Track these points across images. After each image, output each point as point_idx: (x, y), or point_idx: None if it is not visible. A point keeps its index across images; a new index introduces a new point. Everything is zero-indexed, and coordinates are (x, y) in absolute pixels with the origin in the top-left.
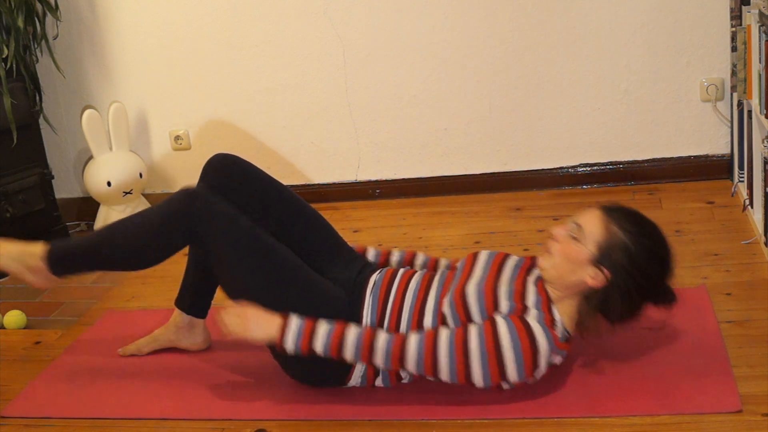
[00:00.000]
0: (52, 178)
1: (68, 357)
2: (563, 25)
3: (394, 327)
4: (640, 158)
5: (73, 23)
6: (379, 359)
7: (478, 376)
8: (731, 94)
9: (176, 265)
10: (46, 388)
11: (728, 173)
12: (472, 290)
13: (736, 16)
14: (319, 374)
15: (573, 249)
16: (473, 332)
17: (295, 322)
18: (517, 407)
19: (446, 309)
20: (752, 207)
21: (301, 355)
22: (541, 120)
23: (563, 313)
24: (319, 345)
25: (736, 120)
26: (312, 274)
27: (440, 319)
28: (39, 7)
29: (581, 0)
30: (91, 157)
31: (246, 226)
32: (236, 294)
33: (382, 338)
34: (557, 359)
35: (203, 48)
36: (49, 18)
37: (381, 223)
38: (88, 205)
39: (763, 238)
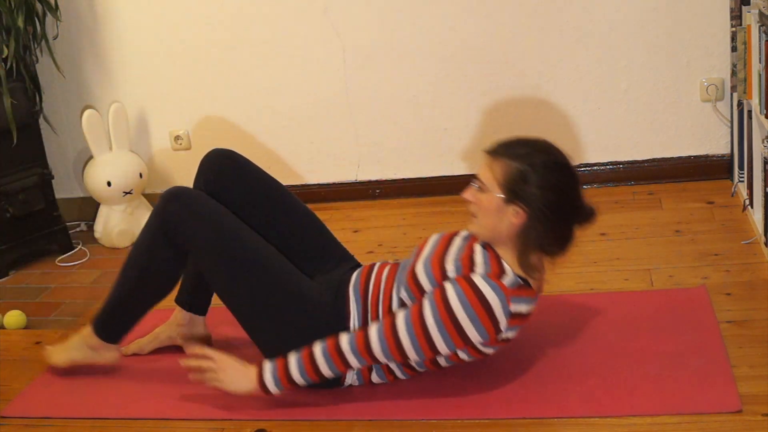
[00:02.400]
0: (52, 178)
1: None
2: (563, 25)
3: (376, 318)
4: (640, 158)
5: (73, 23)
6: (352, 360)
7: (441, 345)
8: (731, 94)
9: None
10: (46, 388)
11: (728, 173)
12: (420, 267)
13: (736, 16)
14: None
15: (484, 200)
16: (426, 305)
17: (267, 367)
18: (517, 407)
19: (403, 293)
20: (752, 207)
21: (287, 390)
22: (541, 120)
23: (511, 263)
24: (296, 375)
25: (736, 120)
26: (296, 276)
27: (403, 303)
28: (39, 7)
29: (581, 0)
30: (91, 157)
31: (228, 228)
32: (223, 295)
33: (344, 340)
34: (522, 307)
35: (203, 48)
36: (49, 18)
37: (381, 223)
38: (88, 205)
39: (763, 238)
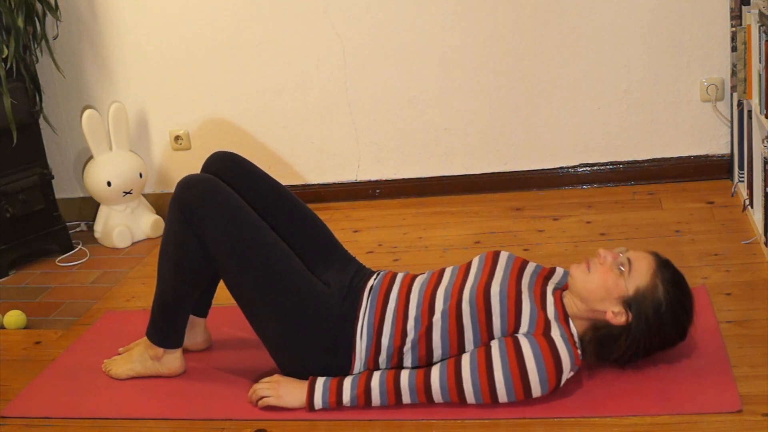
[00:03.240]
0: (52, 178)
1: (68, 357)
2: (563, 25)
3: (400, 328)
4: (640, 158)
5: (73, 23)
6: (406, 398)
7: (503, 397)
8: (731, 94)
9: None
10: (46, 388)
11: (728, 173)
12: (495, 290)
13: (736, 16)
14: (318, 373)
15: (613, 280)
16: (495, 355)
17: (319, 384)
18: (517, 407)
19: (465, 305)
20: (752, 207)
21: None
22: (541, 120)
23: (576, 323)
24: (347, 399)
25: (736, 120)
26: (305, 272)
27: (454, 315)
28: (39, 7)
29: (581, 0)
30: (91, 157)
31: (241, 216)
32: (231, 283)
33: (404, 377)
34: (571, 374)
35: (203, 48)
36: (49, 18)
37: (381, 223)
38: (88, 205)
39: (763, 238)
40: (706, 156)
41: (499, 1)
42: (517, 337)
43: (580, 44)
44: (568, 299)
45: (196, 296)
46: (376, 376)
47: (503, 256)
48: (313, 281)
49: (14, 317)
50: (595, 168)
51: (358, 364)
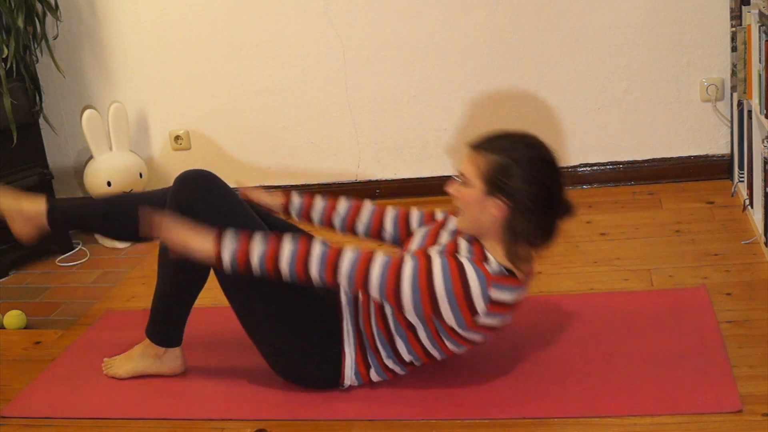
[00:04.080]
0: (52, 178)
1: (68, 357)
2: (563, 25)
3: (367, 309)
4: (640, 158)
5: (73, 23)
6: (314, 269)
7: (407, 302)
8: (731, 94)
9: None
10: (46, 388)
11: (728, 173)
12: (407, 257)
13: (736, 16)
14: (312, 372)
15: (466, 194)
16: (407, 262)
17: (230, 238)
18: (517, 407)
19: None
20: (752, 207)
21: (238, 272)
22: (541, 120)
23: (496, 254)
24: (256, 257)
25: (736, 120)
26: None
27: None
28: (39, 7)
29: (581, 0)
30: (91, 157)
31: (236, 211)
32: (226, 286)
33: (318, 247)
34: (506, 296)
35: (203, 48)
36: (49, 18)
37: None
38: None
39: (763, 238)
40: (706, 156)
41: (499, 1)
42: (429, 253)
43: (580, 44)
44: (475, 241)
45: (195, 294)
46: (288, 242)
47: (419, 233)
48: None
49: (14, 317)
50: (595, 168)
51: (348, 350)
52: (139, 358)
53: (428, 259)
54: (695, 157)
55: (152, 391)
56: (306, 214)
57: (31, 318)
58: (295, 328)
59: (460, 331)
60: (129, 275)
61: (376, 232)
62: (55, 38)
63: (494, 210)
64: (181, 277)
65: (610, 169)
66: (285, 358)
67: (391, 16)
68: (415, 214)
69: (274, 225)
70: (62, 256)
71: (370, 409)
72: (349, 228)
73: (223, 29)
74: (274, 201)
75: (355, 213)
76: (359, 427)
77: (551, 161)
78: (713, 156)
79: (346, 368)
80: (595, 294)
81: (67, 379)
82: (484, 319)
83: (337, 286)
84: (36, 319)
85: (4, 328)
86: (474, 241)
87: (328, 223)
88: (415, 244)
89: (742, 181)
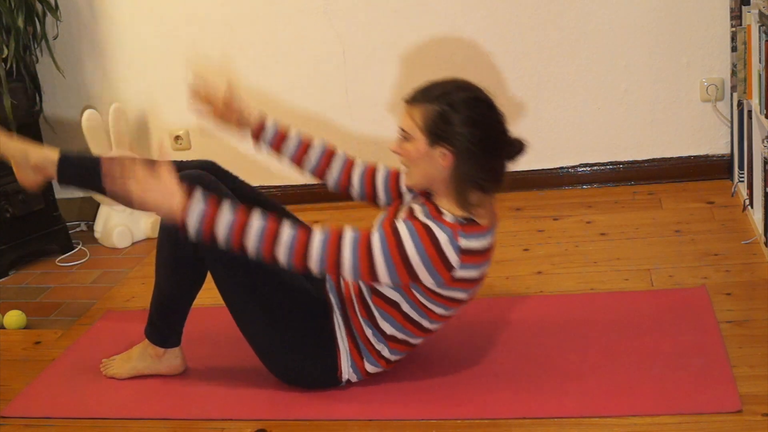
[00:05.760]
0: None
1: (68, 357)
2: (563, 25)
3: (351, 307)
4: (640, 158)
5: (73, 23)
6: (282, 254)
7: (384, 275)
8: (731, 94)
9: None
10: (46, 388)
11: (728, 173)
12: (374, 231)
13: (736, 16)
14: (310, 371)
15: (409, 149)
16: (375, 235)
17: (198, 199)
18: (517, 407)
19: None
20: (752, 207)
21: (201, 238)
22: (541, 120)
23: (450, 208)
24: (222, 229)
25: (736, 120)
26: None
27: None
28: (39, 7)
29: (581, 0)
30: None
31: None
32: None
33: (286, 233)
34: (474, 243)
35: (203, 48)
36: (49, 18)
37: None
38: (88, 205)
39: (763, 238)
40: (706, 156)
41: (499, 1)
42: (393, 222)
43: (580, 44)
44: (426, 200)
45: (193, 294)
46: (257, 220)
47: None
48: (298, 277)
49: (14, 317)
50: (595, 168)
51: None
52: (139, 358)
53: (394, 228)
54: (695, 157)
55: (152, 391)
56: (277, 147)
57: (31, 318)
58: (288, 330)
59: (440, 291)
60: (129, 275)
61: (344, 188)
62: (55, 38)
63: (440, 160)
64: (179, 278)
65: (610, 169)
66: (282, 361)
67: (391, 16)
68: (381, 172)
69: (267, 207)
70: (62, 256)
71: (370, 409)
72: (319, 176)
73: (223, 29)
74: (246, 120)
75: (325, 164)
76: (358, 427)
77: (487, 100)
78: (713, 156)
79: (342, 362)
80: (595, 294)
81: (67, 379)
82: (461, 272)
83: (306, 270)
84: (36, 319)
85: (4, 328)
86: (425, 201)
87: (298, 164)
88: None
89: (742, 181)
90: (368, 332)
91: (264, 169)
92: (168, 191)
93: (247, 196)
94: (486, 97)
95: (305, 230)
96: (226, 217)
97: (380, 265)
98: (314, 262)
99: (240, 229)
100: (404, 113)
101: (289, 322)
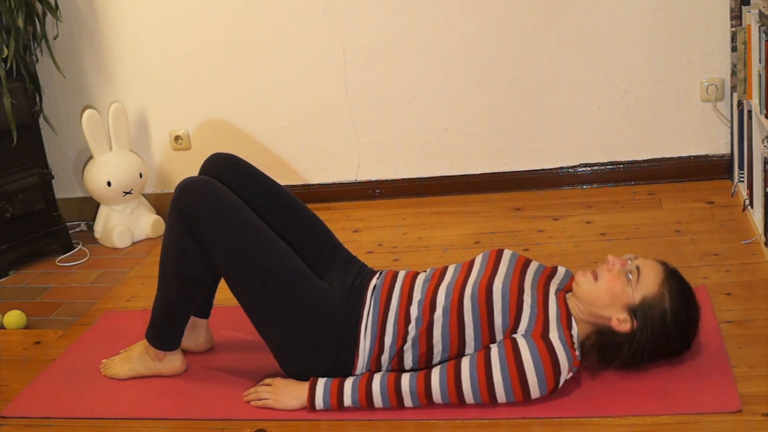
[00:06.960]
0: (52, 178)
1: (68, 357)
2: (563, 25)
3: (402, 326)
4: (640, 158)
5: (73, 23)
6: (408, 402)
7: (501, 398)
8: (731, 94)
9: None
10: (46, 388)
11: (728, 173)
12: (498, 286)
13: (736, 16)
14: (323, 374)
15: (620, 287)
16: (494, 357)
17: (320, 385)
18: (517, 407)
19: (467, 302)
20: (752, 207)
21: (333, 410)
22: (541, 120)
23: (581, 327)
24: (348, 400)
25: (736, 120)
26: (308, 273)
27: (456, 312)
28: (39, 7)
29: (581, 0)
30: (91, 157)
31: (241, 218)
32: (234, 286)
33: (405, 381)
34: (570, 375)
35: (203, 48)
36: (49, 18)
37: (381, 223)
38: (88, 205)
39: (763, 238)
40: (706, 156)
41: (499, 1)
42: (515, 339)
43: (580, 44)
44: (572, 301)
45: (197, 301)
46: (377, 380)
47: (506, 254)
48: (315, 282)
49: (14, 317)
50: (595, 168)
51: (361, 364)
52: (139, 359)
53: (514, 345)
54: (695, 157)
55: (152, 391)
56: None
57: (31, 318)
58: (308, 325)
59: None
60: (129, 275)
61: None
62: (55, 38)
63: (617, 320)
64: (182, 285)
65: (610, 169)
66: (296, 359)
67: (391, 16)
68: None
69: (285, 201)
70: (62, 256)
71: (373, 410)
72: None
73: (223, 29)
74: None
75: None
76: (358, 427)
77: (687, 340)
78: (713, 156)
79: (359, 362)
80: None
81: (67, 379)
82: None
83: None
84: (36, 319)
85: (4, 328)
86: (561, 296)
87: None
88: (503, 266)
89: (742, 181)
90: (390, 363)
91: (264, 169)
92: (293, 395)
93: (266, 188)
94: (692, 337)
95: (423, 375)
96: (348, 398)
97: (498, 383)
98: (439, 400)
99: (365, 394)
100: (657, 269)
101: (307, 325)
